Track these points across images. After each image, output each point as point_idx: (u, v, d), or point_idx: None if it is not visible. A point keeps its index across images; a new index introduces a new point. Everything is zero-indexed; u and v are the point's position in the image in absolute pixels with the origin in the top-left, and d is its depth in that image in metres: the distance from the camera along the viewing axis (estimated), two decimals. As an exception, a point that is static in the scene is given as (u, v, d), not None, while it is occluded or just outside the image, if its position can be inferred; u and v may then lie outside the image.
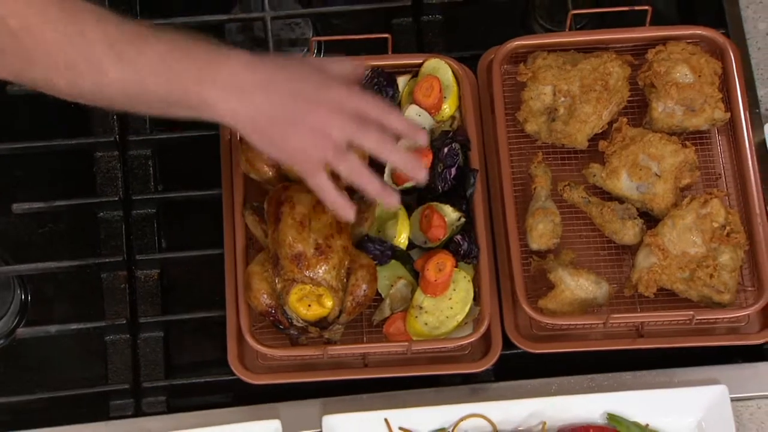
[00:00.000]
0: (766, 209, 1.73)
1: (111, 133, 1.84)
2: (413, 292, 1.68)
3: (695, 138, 1.78)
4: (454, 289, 1.67)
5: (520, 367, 1.71)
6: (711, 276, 1.65)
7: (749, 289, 1.71)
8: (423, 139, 1.53)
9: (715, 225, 1.68)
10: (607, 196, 1.75)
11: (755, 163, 1.75)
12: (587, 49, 1.80)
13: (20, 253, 1.78)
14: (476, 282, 1.68)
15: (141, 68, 1.38)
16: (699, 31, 1.81)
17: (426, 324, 1.66)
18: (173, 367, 1.74)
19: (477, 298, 1.67)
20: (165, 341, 1.75)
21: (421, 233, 1.70)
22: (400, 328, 1.67)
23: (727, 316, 1.68)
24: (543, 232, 1.70)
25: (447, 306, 1.66)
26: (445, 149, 1.71)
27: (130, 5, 1.90)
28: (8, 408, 1.70)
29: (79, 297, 1.78)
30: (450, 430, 1.63)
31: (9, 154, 1.82)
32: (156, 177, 1.84)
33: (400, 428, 1.63)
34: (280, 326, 1.63)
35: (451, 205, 1.70)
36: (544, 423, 1.64)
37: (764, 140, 1.82)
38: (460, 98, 1.77)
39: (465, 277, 1.67)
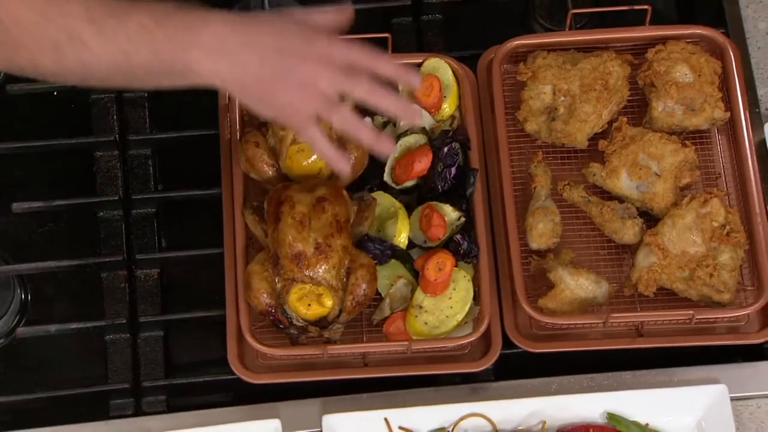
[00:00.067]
0: (766, 209, 1.73)
1: (111, 132, 1.84)
2: (413, 291, 1.68)
3: (695, 137, 1.78)
4: (454, 289, 1.67)
5: (520, 367, 1.71)
6: (711, 275, 1.65)
7: (749, 288, 1.71)
8: (416, 80, 1.48)
9: (715, 224, 1.68)
10: (606, 195, 1.75)
11: (755, 162, 1.75)
12: (587, 49, 1.80)
13: (20, 252, 1.78)
14: (476, 281, 1.68)
15: (123, 40, 1.37)
16: (699, 31, 1.81)
17: (426, 323, 1.66)
18: (173, 367, 1.74)
19: (477, 298, 1.67)
20: (165, 341, 1.75)
21: (420, 233, 1.70)
22: (399, 327, 1.67)
23: (727, 315, 1.68)
24: (543, 231, 1.70)
25: (447, 305, 1.66)
26: (445, 149, 1.71)
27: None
28: (8, 407, 1.70)
29: (79, 296, 1.78)
30: (450, 429, 1.63)
31: (9, 154, 1.82)
32: (156, 176, 1.84)
33: (400, 428, 1.63)
34: (280, 326, 1.63)
35: (451, 205, 1.70)
36: (544, 422, 1.64)
37: (764, 140, 1.82)
38: (460, 98, 1.77)
39: (465, 276, 1.67)
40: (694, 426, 1.65)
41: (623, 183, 1.72)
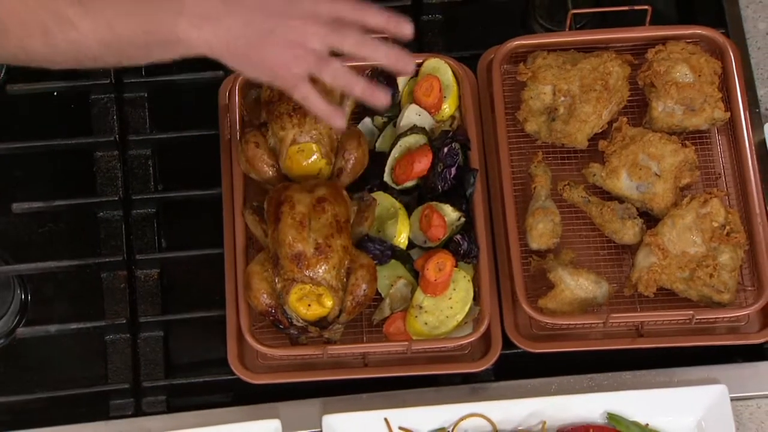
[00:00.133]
0: (766, 209, 1.73)
1: (111, 132, 1.84)
2: (413, 291, 1.68)
3: (695, 138, 1.79)
4: (454, 289, 1.67)
5: (520, 367, 1.71)
6: (711, 275, 1.65)
7: (749, 288, 1.71)
8: (407, 29, 1.46)
9: (715, 224, 1.68)
10: (607, 195, 1.75)
11: (755, 162, 1.75)
12: (587, 49, 1.80)
13: (20, 252, 1.78)
14: (476, 282, 1.68)
15: (109, 16, 1.37)
16: (699, 31, 1.81)
17: (426, 324, 1.66)
18: (173, 367, 1.74)
19: (477, 298, 1.67)
20: (165, 341, 1.75)
21: (421, 233, 1.70)
22: (400, 327, 1.67)
23: (727, 315, 1.68)
24: (543, 231, 1.70)
25: (447, 306, 1.66)
26: (445, 149, 1.71)
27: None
28: (8, 407, 1.70)
29: (79, 297, 1.78)
30: (450, 429, 1.63)
31: (9, 154, 1.82)
32: (156, 177, 1.84)
33: (400, 428, 1.63)
34: (280, 326, 1.63)
35: (451, 205, 1.70)
36: (544, 423, 1.64)
37: (764, 140, 1.82)
38: (460, 98, 1.77)
39: (465, 276, 1.67)
40: (694, 426, 1.65)
41: (623, 183, 1.72)
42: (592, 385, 1.69)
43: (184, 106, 1.87)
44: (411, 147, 1.73)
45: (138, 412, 1.71)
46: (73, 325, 1.73)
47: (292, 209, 1.62)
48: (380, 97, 1.45)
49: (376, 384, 1.67)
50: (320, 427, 1.63)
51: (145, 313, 1.75)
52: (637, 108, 1.81)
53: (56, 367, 1.75)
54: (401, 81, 1.78)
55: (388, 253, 1.68)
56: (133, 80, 1.85)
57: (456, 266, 1.66)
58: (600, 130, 1.77)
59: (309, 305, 1.61)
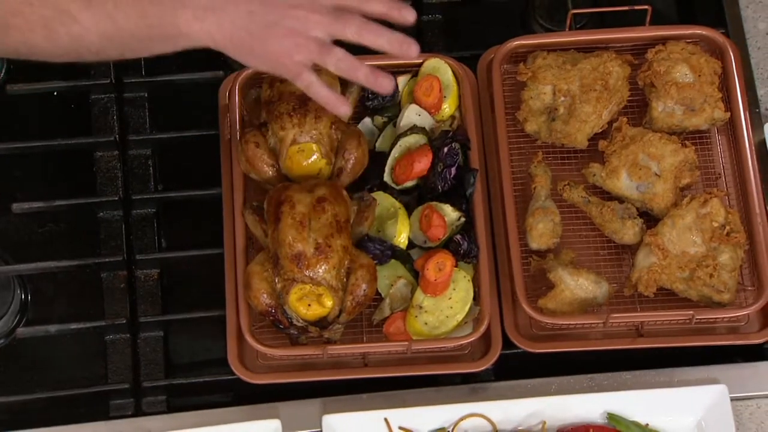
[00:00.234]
0: (766, 209, 1.73)
1: (111, 132, 1.84)
2: (413, 291, 1.68)
3: (695, 138, 1.79)
4: (454, 289, 1.67)
5: (519, 367, 1.71)
6: (711, 275, 1.65)
7: (749, 288, 1.71)
8: (410, 15, 1.47)
9: (715, 224, 1.68)
10: (606, 195, 1.75)
11: (755, 162, 1.75)
12: (587, 49, 1.80)
13: (20, 252, 1.78)
14: (476, 281, 1.68)
15: (110, 9, 1.38)
16: (699, 31, 1.81)
17: (426, 323, 1.66)
18: (173, 367, 1.74)
19: (477, 298, 1.67)
20: (165, 341, 1.75)
21: (421, 233, 1.70)
22: (400, 327, 1.67)
23: (727, 315, 1.68)
24: (543, 231, 1.70)
25: (447, 305, 1.66)
26: (445, 149, 1.71)
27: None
28: (8, 407, 1.70)
29: (79, 297, 1.78)
30: (450, 429, 1.63)
31: (9, 154, 1.82)
32: (156, 177, 1.84)
33: (400, 428, 1.63)
34: (280, 326, 1.63)
35: (451, 205, 1.70)
36: (544, 423, 1.64)
37: (764, 140, 1.82)
38: (460, 98, 1.77)
39: (465, 276, 1.67)
40: (694, 426, 1.65)
41: (623, 183, 1.72)
42: (592, 385, 1.69)
43: (184, 106, 1.87)
44: (411, 147, 1.73)
45: (138, 412, 1.71)
46: (73, 325, 1.73)
47: (292, 209, 1.62)
48: (384, 84, 1.45)
49: (376, 384, 1.67)
50: (320, 427, 1.63)
51: (145, 313, 1.75)
52: (637, 108, 1.81)
53: (56, 367, 1.75)
54: (401, 81, 1.78)
55: (388, 253, 1.68)
56: (133, 80, 1.85)
57: (456, 266, 1.66)
58: (600, 130, 1.77)
59: (309, 305, 1.61)
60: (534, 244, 1.71)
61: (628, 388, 1.67)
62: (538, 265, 1.70)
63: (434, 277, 1.64)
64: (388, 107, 1.78)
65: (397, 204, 1.71)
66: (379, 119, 1.78)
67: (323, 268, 1.60)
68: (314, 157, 1.68)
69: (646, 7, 1.79)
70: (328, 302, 1.61)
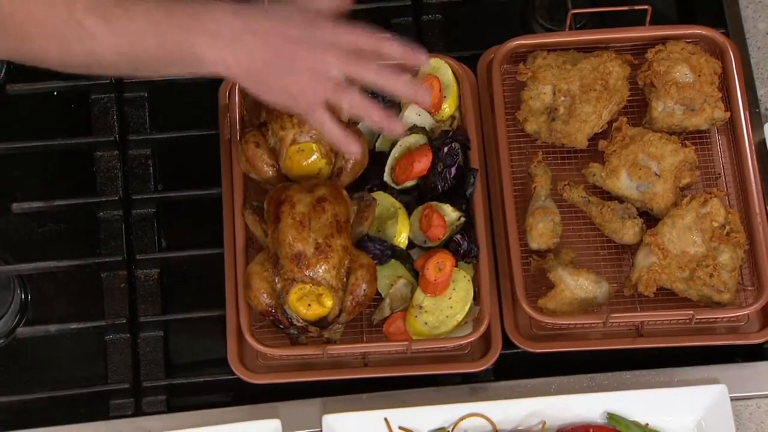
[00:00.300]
0: (766, 209, 1.73)
1: (111, 132, 1.84)
2: (413, 291, 1.68)
3: (695, 137, 1.79)
4: (454, 289, 1.67)
5: (519, 367, 1.71)
6: (711, 275, 1.65)
7: (749, 288, 1.71)
8: (423, 59, 1.48)
9: (715, 224, 1.68)
10: (606, 195, 1.75)
11: (755, 162, 1.75)
12: (587, 49, 1.80)
13: (20, 252, 1.78)
14: (476, 281, 1.68)
15: (129, 29, 1.38)
16: (698, 31, 1.81)
17: (426, 323, 1.66)
18: (173, 367, 1.74)
19: (477, 298, 1.67)
20: (165, 341, 1.75)
21: (421, 233, 1.70)
22: (400, 327, 1.67)
23: (727, 315, 1.68)
24: (543, 231, 1.70)
25: (447, 305, 1.66)
26: (445, 149, 1.71)
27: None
28: (8, 407, 1.70)
29: (79, 296, 1.78)
30: (450, 429, 1.63)
31: (9, 154, 1.82)
32: (156, 177, 1.84)
33: (400, 428, 1.63)
34: (280, 326, 1.63)
35: (451, 205, 1.70)
36: (544, 422, 1.64)
37: (764, 140, 1.82)
38: (460, 98, 1.77)
39: (465, 276, 1.67)
40: (694, 426, 1.65)
41: (623, 183, 1.72)
42: (592, 385, 1.69)
43: (184, 106, 1.87)
44: (411, 147, 1.73)
45: (138, 412, 1.71)
46: (73, 325, 1.73)
47: (292, 209, 1.62)
48: (396, 128, 1.47)
49: (376, 384, 1.67)
50: (320, 427, 1.63)
51: (145, 313, 1.75)
52: (637, 108, 1.81)
53: (56, 367, 1.75)
54: (401, 81, 1.78)
55: (388, 253, 1.68)
56: (133, 80, 1.85)
57: (456, 266, 1.66)
58: (600, 130, 1.77)
59: (309, 305, 1.61)
60: (534, 244, 1.71)
61: (628, 388, 1.67)
62: (538, 265, 1.70)
63: (434, 277, 1.64)
64: (388, 107, 1.78)
65: (397, 204, 1.71)
66: (379, 119, 1.78)
67: (323, 268, 1.60)
68: (314, 157, 1.68)
69: (646, 7, 1.79)
70: (328, 302, 1.61)
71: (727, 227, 1.68)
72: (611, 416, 1.64)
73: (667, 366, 1.70)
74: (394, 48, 1.45)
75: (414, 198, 1.74)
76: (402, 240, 1.70)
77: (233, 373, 1.66)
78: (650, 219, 1.73)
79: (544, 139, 1.78)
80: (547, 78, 1.77)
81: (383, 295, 1.69)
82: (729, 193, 1.76)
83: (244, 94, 1.76)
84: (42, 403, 1.71)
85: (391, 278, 1.69)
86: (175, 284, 1.79)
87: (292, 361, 1.68)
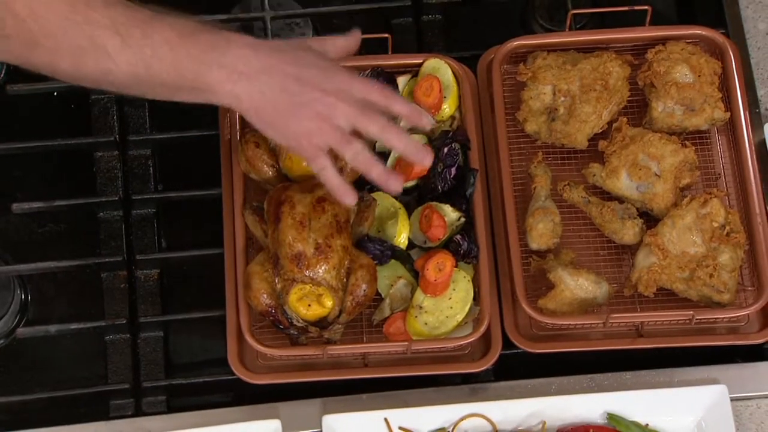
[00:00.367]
0: (766, 209, 1.73)
1: (111, 133, 1.84)
2: (413, 291, 1.68)
3: (695, 138, 1.79)
4: (454, 289, 1.67)
5: (519, 367, 1.71)
6: (711, 276, 1.65)
7: (749, 288, 1.71)
8: (427, 123, 1.52)
9: (715, 225, 1.68)
10: (607, 195, 1.75)
11: (755, 163, 1.75)
12: (587, 49, 1.80)
13: (20, 253, 1.78)
14: (476, 282, 1.68)
15: (146, 52, 1.38)
16: (698, 31, 1.81)
17: (426, 324, 1.66)
18: (173, 367, 1.74)
19: (477, 298, 1.67)
20: (165, 341, 1.75)
21: (421, 233, 1.70)
22: (400, 327, 1.67)
23: (727, 315, 1.68)
24: (543, 231, 1.70)
25: (447, 306, 1.66)
26: (445, 149, 1.71)
27: (130, 5, 1.90)
28: (8, 407, 1.70)
29: (79, 297, 1.78)
30: (450, 429, 1.63)
31: (9, 154, 1.82)
32: (156, 177, 1.84)
33: (400, 428, 1.63)
34: (280, 326, 1.63)
35: (451, 205, 1.70)
36: (544, 423, 1.64)
37: (764, 140, 1.82)
38: (460, 98, 1.77)
39: (465, 276, 1.67)
40: (694, 426, 1.65)
41: (623, 183, 1.72)
42: (592, 385, 1.69)
43: (184, 106, 1.86)
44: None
45: (138, 412, 1.71)
46: (73, 325, 1.73)
47: (292, 209, 1.62)
48: (394, 186, 1.48)
49: (376, 384, 1.67)
50: (320, 427, 1.63)
51: (145, 313, 1.76)
52: (637, 108, 1.81)
53: (56, 367, 1.75)
54: (401, 81, 1.78)
55: (388, 253, 1.68)
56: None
57: (456, 266, 1.66)
58: (600, 130, 1.77)
59: (309, 305, 1.61)
60: (534, 244, 1.71)
61: (628, 388, 1.67)
62: (538, 265, 1.70)
63: (434, 278, 1.64)
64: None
65: (397, 204, 1.71)
66: (379, 119, 1.78)
67: (323, 268, 1.60)
68: (314, 157, 1.68)
69: (646, 7, 1.79)
70: (328, 302, 1.61)
71: (727, 227, 1.68)
72: (611, 416, 1.64)
73: (667, 366, 1.70)
74: (402, 107, 1.48)
75: (414, 198, 1.74)
76: (402, 240, 1.70)
77: (233, 374, 1.66)
78: (650, 219, 1.73)
79: (544, 139, 1.78)
80: (547, 78, 1.77)
81: (383, 296, 1.69)
82: (729, 194, 1.76)
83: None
84: (42, 403, 1.71)
85: (391, 278, 1.69)
86: (175, 284, 1.79)
87: (292, 361, 1.68)
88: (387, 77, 1.75)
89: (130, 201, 1.80)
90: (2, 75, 1.86)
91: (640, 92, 1.80)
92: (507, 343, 1.68)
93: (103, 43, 1.37)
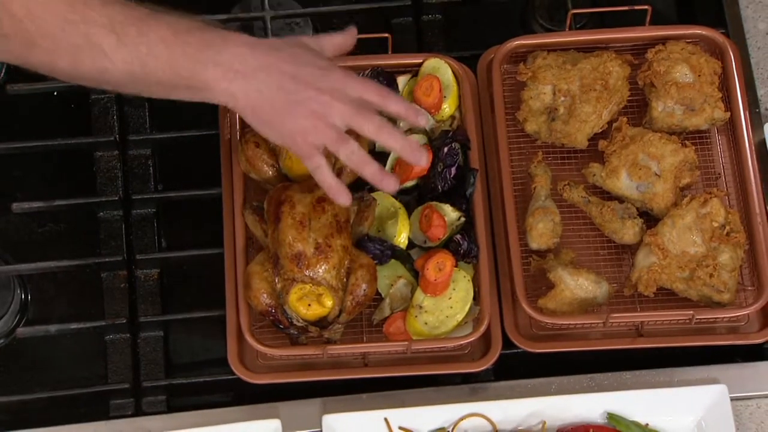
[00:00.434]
0: (766, 209, 1.73)
1: (111, 132, 1.84)
2: (413, 291, 1.68)
3: (695, 137, 1.79)
4: (454, 289, 1.67)
5: (519, 367, 1.71)
6: (711, 275, 1.65)
7: (749, 288, 1.71)
8: (423, 121, 1.53)
9: (715, 224, 1.68)
10: (607, 195, 1.75)
11: (755, 162, 1.75)
12: (587, 49, 1.80)
13: (20, 252, 1.78)
14: (476, 281, 1.68)
15: (142, 50, 1.38)
16: (698, 31, 1.81)
17: (426, 323, 1.66)
18: (173, 367, 1.74)
19: (477, 298, 1.67)
20: (165, 341, 1.75)
21: (421, 233, 1.70)
22: (400, 327, 1.67)
23: (727, 315, 1.68)
24: (543, 231, 1.70)
25: (447, 305, 1.66)
26: (445, 149, 1.71)
27: (130, 5, 1.90)
28: (8, 407, 1.70)
29: (79, 297, 1.78)
30: (450, 429, 1.63)
31: (9, 154, 1.82)
32: (156, 177, 1.84)
33: (400, 428, 1.63)
34: (280, 326, 1.63)
35: (451, 205, 1.70)
36: (544, 422, 1.64)
37: (764, 140, 1.82)
38: (460, 98, 1.77)
39: (465, 276, 1.67)
40: (694, 426, 1.65)
41: (623, 183, 1.72)
42: (592, 385, 1.69)
43: (184, 106, 1.86)
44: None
45: (138, 412, 1.71)
46: (73, 325, 1.73)
47: (292, 209, 1.62)
48: (389, 185, 1.49)
49: (376, 384, 1.67)
50: (320, 427, 1.63)
51: (145, 313, 1.76)
52: (637, 108, 1.81)
53: (56, 367, 1.75)
54: (401, 81, 1.78)
55: (388, 253, 1.68)
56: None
57: (456, 266, 1.66)
58: (600, 130, 1.77)
59: (309, 305, 1.61)
60: (534, 244, 1.71)
61: (628, 388, 1.67)
62: (538, 265, 1.70)
63: (434, 277, 1.64)
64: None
65: (397, 204, 1.71)
66: (379, 118, 1.78)
67: (323, 268, 1.60)
68: (314, 157, 1.68)
69: (646, 7, 1.79)
70: (328, 302, 1.61)
71: (727, 227, 1.68)
72: (611, 416, 1.64)
73: (667, 366, 1.70)
74: (397, 106, 1.48)
75: (414, 198, 1.74)
76: (402, 240, 1.70)
77: (233, 373, 1.66)
78: (650, 219, 1.73)
79: (544, 139, 1.78)
80: (547, 78, 1.77)
81: (383, 295, 1.69)
82: (729, 193, 1.76)
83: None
84: (42, 403, 1.71)
85: (391, 278, 1.69)
86: (175, 284, 1.79)
87: (292, 361, 1.68)
88: (387, 77, 1.75)
89: (130, 201, 1.80)
90: (2, 75, 1.86)
91: (640, 92, 1.80)
92: (507, 343, 1.68)
93: (99, 41, 1.37)
